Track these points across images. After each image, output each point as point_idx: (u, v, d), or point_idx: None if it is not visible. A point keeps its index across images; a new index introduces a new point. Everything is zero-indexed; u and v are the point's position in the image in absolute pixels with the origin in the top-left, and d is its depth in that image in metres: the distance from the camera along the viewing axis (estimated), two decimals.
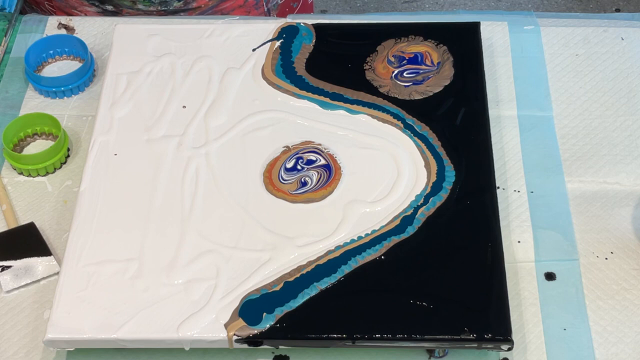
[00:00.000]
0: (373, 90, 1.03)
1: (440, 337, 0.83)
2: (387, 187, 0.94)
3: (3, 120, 1.05)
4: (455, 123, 0.99)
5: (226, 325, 0.84)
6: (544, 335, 0.88)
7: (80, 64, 1.10)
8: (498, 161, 0.99)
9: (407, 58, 1.05)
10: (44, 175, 1.01)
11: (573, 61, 1.11)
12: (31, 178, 1.01)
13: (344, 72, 1.05)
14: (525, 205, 0.97)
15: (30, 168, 1.00)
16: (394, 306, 0.85)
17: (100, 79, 1.10)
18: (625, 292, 0.91)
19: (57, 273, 0.92)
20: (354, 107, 1.01)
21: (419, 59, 1.05)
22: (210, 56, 1.07)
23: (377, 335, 0.83)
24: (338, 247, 0.89)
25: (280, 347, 0.86)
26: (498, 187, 0.97)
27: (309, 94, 1.03)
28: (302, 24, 1.10)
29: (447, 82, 1.03)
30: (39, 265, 0.93)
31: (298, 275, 0.87)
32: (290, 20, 1.11)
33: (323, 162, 0.96)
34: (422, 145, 0.97)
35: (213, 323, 0.84)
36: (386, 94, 1.02)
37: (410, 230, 0.90)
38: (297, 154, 0.97)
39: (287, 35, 1.08)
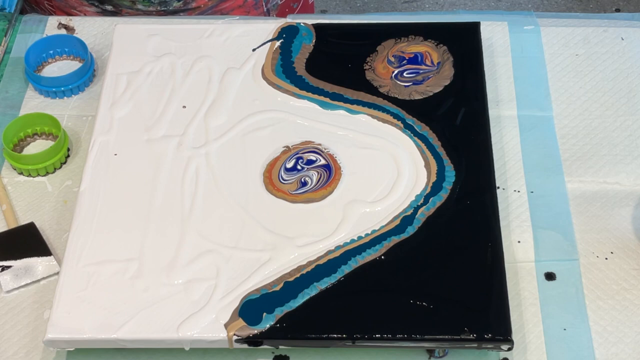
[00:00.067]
0: (373, 90, 1.03)
1: (440, 337, 0.83)
2: (387, 187, 0.94)
3: (3, 120, 1.05)
4: (455, 123, 0.99)
5: (226, 325, 0.84)
6: (544, 335, 0.88)
7: (80, 64, 1.10)
8: (498, 161, 0.99)
9: (407, 58, 1.05)
10: (44, 175, 1.01)
11: (573, 61, 1.11)
12: (31, 178, 1.01)
13: (344, 72, 1.05)
14: (525, 205, 0.97)
15: (30, 168, 1.00)
16: (394, 306, 0.85)
17: (100, 79, 1.10)
18: (625, 292, 0.91)
19: (57, 273, 0.92)
20: (354, 107, 1.01)
21: (419, 59, 1.05)
22: (210, 56, 1.07)
23: (377, 335, 0.83)
24: (338, 247, 0.89)
25: (280, 347, 0.86)
26: (498, 187, 0.97)
27: (309, 94, 1.03)
28: (302, 24, 1.10)
29: (447, 82, 1.03)
30: (39, 265, 0.93)
31: (298, 275, 0.87)
32: (290, 20, 1.11)
33: (323, 162, 0.96)
34: (422, 145, 0.97)
35: (213, 323, 0.84)
36: (386, 94, 1.02)
37: (410, 230, 0.90)
38: (297, 154, 0.97)
39: (287, 35, 1.08)
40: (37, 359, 0.88)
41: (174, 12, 1.24)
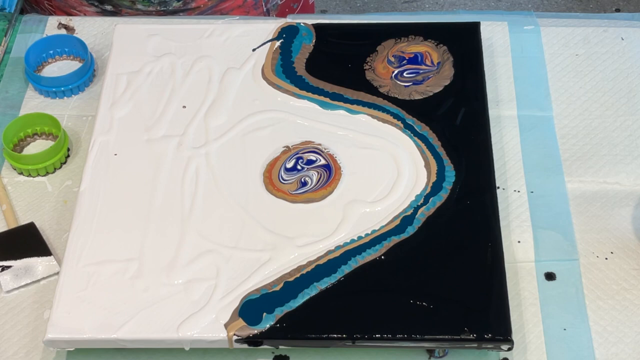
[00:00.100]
0: (373, 90, 1.03)
1: (440, 337, 0.83)
2: (387, 187, 0.94)
3: (3, 120, 1.05)
4: (455, 123, 0.99)
5: (226, 325, 0.84)
6: (544, 335, 0.88)
7: (80, 64, 1.10)
8: (498, 161, 0.99)
9: (407, 58, 1.05)
10: (44, 175, 1.01)
11: (573, 61, 1.11)
12: (31, 178, 1.01)
13: (344, 72, 1.05)
14: (525, 205, 0.97)
15: (30, 168, 1.00)
16: (394, 306, 0.85)
17: (100, 79, 1.10)
18: (625, 292, 0.91)
19: (57, 273, 0.92)
20: (354, 107, 1.01)
21: (419, 59, 1.05)
22: (210, 56, 1.07)
23: (377, 335, 0.83)
24: (338, 247, 0.89)
25: (280, 347, 0.86)
26: (498, 187, 0.97)
27: (309, 94, 1.03)
28: (302, 24, 1.10)
29: (447, 82, 1.03)
30: (39, 265, 0.93)
31: (298, 275, 0.87)
32: (290, 20, 1.11)
33: (323, 162, 0.96)
34: (422, 145, 0.97)
35: (213, 323, 0.84)
36: (386, 94, 1.02)
37: (410, 230, 0.90)
38: (297, 154, 0.97)
39: (287, 35, 1.08)
40: (37, 359, 0.88)
41: (174, 12, 1.24)
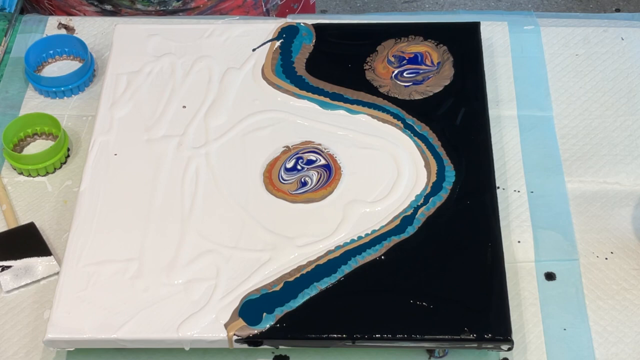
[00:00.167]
0: (373, 90, 1.03)
1: (440, 337, 0.83)
2: (387, 187, 0.94)
3: (3, 120, 1.05)
4: (455, 123, 0.99)
5: (226, 325, 0.84)
6: (544, 335, 0.88)
7: (80, 64, 1.10)
8: (498, 161, 0.99)
9: (407, 58, 1.05)
10: (44, 175, 1.01)
11: (573, 61, 1.11)
12: (31, 178, 1.01)
13: (344, 72, 1.05)
14: (525, 205, 0.97)
15: (30, 168, 1.00)
16: (394, 306, 0.85)
17: (100, 79, 1.10)
18: (625, 292, 0.91)
19: (57, 273, 0.92)
20: (354, 107, 1.01)
21: (419, 59, 1.05)
22: (210, 56, 1.07)
23: (377, 335, 0.83)
24: (338, 247, 0.89)
25: (280, 347, 0.86)
26: (498, 187, 0.97)
27: (309, 94, 1.03)
28: (302, 24, 1.10)
29: (447, 82, 1.03)
30: (39, 265, 0.93)
31: (298, 275, 0.87)
32: (290, 20, 1.11)
33: (323, 162, 0.96)
34: (422, 145, 0.97)
35: (213, 323, 0.84)
36: (386, 94, 1.02)
37: (410, 230, 0.90)
38: (297, 154, 0.97)
39: (287, 35, 1.08)
40: (37, 359, 0.88)
41: (173, 12, 1.24)
